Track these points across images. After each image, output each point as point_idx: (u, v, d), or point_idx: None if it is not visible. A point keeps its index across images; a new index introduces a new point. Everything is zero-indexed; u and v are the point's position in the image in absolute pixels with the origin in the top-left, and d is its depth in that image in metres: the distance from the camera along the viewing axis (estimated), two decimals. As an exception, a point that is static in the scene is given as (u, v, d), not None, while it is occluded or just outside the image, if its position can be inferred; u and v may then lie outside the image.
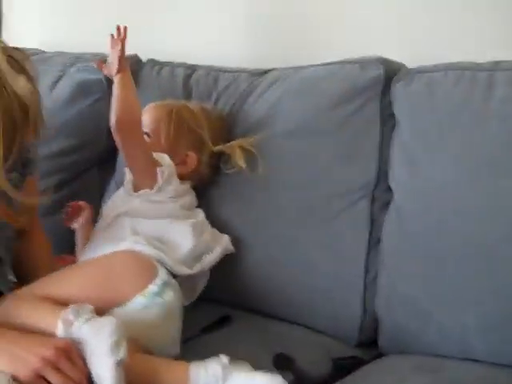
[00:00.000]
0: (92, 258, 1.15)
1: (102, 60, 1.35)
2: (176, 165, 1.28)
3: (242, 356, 0.99)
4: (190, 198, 1.31)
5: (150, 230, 1.20)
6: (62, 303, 1.01)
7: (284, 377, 0.98)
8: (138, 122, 1.27)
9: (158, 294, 1.06)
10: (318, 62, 1.36)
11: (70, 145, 1.52)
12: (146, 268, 1.09)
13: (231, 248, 1.27)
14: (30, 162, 1.11)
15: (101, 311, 1.01)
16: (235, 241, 1.28)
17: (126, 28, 1.28)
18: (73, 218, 1.35)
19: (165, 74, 1.53)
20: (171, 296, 1.08)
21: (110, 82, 1.48)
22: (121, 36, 1.28)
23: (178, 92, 1.47)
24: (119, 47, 1.27)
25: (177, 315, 1.10)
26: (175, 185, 1.27)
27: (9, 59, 1.02)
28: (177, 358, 1.06)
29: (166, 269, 1.12)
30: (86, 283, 1.07)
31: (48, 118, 1.30)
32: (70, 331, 0.96)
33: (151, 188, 1.25)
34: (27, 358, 0.92)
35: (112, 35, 1.29)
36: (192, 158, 1.31)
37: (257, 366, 0.98)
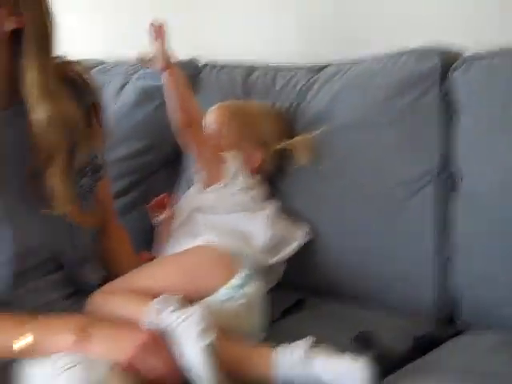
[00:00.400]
0: (178, 253, 1.21)
1: (144, 57, 1.38)
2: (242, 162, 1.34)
3: (321, 338, 1.03)
4: (261, 191, 1.36)
5: (224, 224, 1.26)
6: (151, 295, 1.07)
7: (365, 354, 1.03)
8: (198, 118, 1.33)
9: (241, 286, 1.10)
10: (373, 54, 1.40)
11: (137, 148, 1.59)
12: (228, 261, 1.13)
13: (306, 238, 1.32)
14: (100, 168, 1.17)
15: (186, 303, 1.06)
16: (309, 229, 1.33)
17: (162, 24, 1.31)
18: (157, 212, 1.39)
19: (223, 76, 1.58)
20: (253, 287, 1.13)
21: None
22: (160, 30, 1.31)
23: (238, 93, 1.53)
24: (161, 41, 1.30)
25: (259, 305, 1.15)
26: (243, 178, 1.33)
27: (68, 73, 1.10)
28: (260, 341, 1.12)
29: (247, 261, 1.17)
30: (173, 277, 1.12)
31: (114, 123, 1.39)
32: (159, 320, 1.02)
33: (219, 183, 1.31)
34: (123, 345, 0.97)
35: (152, 25, 1.31)
36: (255, 156, 1.36)
37: (337, 348, 1.02)
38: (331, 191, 1.35)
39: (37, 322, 0.98)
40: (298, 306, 1.28)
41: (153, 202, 1.40)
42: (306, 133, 1.38)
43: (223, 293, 1.10)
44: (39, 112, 1.01)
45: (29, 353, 0.96)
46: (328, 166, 1.35)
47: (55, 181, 1.03)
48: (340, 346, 1.03)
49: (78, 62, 1.15)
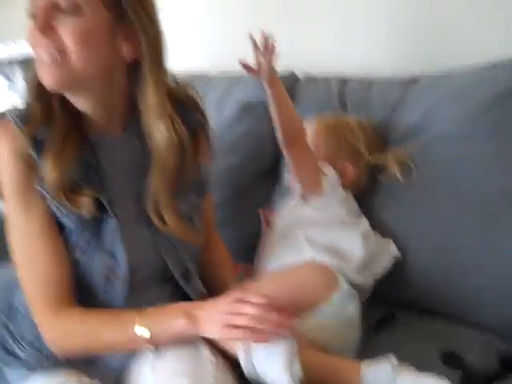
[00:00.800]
0: (283, 270, 1.27)
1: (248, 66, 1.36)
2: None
3: (409, 353, 1.07)
4: (355, 204, 1.40)
5: (322, 239, 1.31)
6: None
7: (453, 374, 1.05)
8: (302, 132, 1.37)
9: (341, 303, 1.17)
10: (463, 66, 1.40)
11: (237, 161, 1.66)
12: (329, 279, 1.20)
13: (398, 254, 1.34)
14: (206, 183, 1.24)
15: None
16: (399, 245, 1.35)
17: (270, 37, 1.31)
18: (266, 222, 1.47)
19: (320, 88, 1.63)
20: (352, 305, 1.19)
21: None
22: (267, 42, 1.31)
23: (334, 104, 1.57)
24: (268, 53, 1.30)
25: (356, 323, 1.20)
26: (340, 191, 1.37)
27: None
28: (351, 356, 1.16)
29: (346, 279, 1.22)
30: (279, 292, 1.17)
31: (217, 137, 1.46)
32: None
33: (318, 195, 1.35)
34: (214, 318, 1.03)
35: (263, 35, 1.31)
36: (349, 168, 1.40)
37: (425, 363, 1.06)
38: (424, 204, 1.36)
39: (147, 314, 1.06)
40: (388, 320, 1.31)
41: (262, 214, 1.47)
42: (399, 146, 1.40)
43: (324, 309, 1.16)
44: (156, 135, 1.09)
45: (145, 345, 1.05)
46: (422, 179, 1.36)
47: (165, 198, 1.12)
48: (428, 363, 1.06)
49: (189, 85, 1.21)
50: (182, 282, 1.18)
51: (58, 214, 1.07)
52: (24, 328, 1.13)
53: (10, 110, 1.09)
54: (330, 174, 1.38)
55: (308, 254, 1.28)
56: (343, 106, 1.56)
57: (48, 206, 1.07)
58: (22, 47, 2.33)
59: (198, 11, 2.07)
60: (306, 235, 1.32)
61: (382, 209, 1.41)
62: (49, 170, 1.04)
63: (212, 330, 1.03)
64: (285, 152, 1.37)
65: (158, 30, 1.08)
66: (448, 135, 1.35)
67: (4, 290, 1.20)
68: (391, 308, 1.34)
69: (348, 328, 1.19)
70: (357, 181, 1.42)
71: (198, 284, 1.23)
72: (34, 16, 1.01)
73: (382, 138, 1.45)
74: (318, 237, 1.32)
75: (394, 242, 1.36)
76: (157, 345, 1.06)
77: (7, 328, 1.15)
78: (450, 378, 1.09)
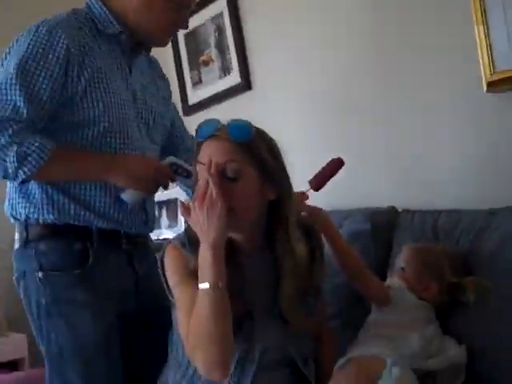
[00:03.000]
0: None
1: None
2: (420, 290, 1.68)
3: None
4: (429, 314, 1.67)
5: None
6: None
7: None
8: (361, 267, 1.69)
9: None
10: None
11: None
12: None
13: (462, 358, 1.57)
14: (319, 292, 1.59)
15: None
16: (474, 349, 1.58)
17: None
18: None
19: (416, 219, 1.94)
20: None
21: (374, 230, 1.98)
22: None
23: (428, 234, 1.87)
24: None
25: None
26: (408, 297, 1.67)
27: None
28: None
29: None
30: None
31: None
32: None
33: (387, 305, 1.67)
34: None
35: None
36: (433, 286, 1.68)
37: None
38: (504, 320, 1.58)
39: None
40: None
41: None
42: (478, 274, 1.67)
43: None
44: (287, 261, 1.46)
45: None
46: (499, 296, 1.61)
47: (291, 303, 1.47)
48: None
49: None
50: (301, 366, 1.50)
51: None
52: None
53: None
54: (395, 285, 1.69)
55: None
56: (436, 235, 1.84)
57: None
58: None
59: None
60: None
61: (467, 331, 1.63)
62: None
63: None
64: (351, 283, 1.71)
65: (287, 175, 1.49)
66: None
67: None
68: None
69: None
70: (439, 297, 1.67)
71: (312, 368, 1.55)
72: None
73: (463, 263, 1.71)
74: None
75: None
76: None
77: None
78: None
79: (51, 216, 1.65)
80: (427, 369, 1.52)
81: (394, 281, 1.72)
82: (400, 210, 2.04)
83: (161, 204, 3.03)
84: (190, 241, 1.47)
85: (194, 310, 1.36)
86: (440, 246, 1.76)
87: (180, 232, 1.60)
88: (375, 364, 1.47)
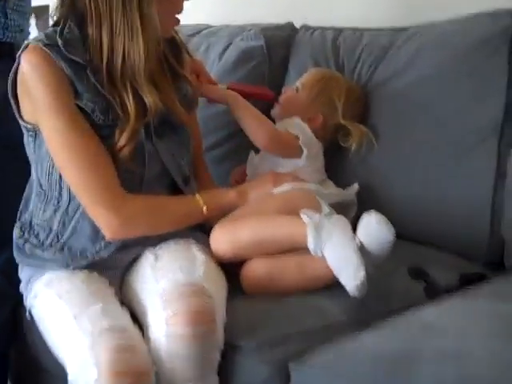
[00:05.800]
0: (279, 193, 1.40)
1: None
2: (304, 118, 1.50)
3: (382, 267, 1.21)
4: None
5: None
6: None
7: (417, 284, 1.23)
8: (276, 133, 1.47)
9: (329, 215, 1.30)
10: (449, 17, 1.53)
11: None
12: (315, 199, 1.36)
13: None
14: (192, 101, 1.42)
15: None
16: (380, 176, 1.52)
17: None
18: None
19: (316, 36, 1.75)
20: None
21: (269, 47, 1.77)
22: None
23: (328, 51, 1.69)
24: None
25: None
26: (315, 143, 1.50)
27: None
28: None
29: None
30: (275, 210, 1.34)
31: (218, 79, 1.60)
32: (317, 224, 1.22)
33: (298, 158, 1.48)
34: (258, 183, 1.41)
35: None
36: (319, 119, 1.52)
37: (394, 275, 1.24)
38: (406, 139, 1.50)
39: (203, 192, 1.33)
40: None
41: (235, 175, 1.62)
42: (379, 111, 1.55)
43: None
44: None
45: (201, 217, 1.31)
46: (404, 118, 1.51)
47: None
48: (396, 276, 1.26)
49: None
50: (182, 186, 1.35)
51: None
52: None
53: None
54: (302, 133, 1.48)
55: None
56: (336, 51, 1.68)
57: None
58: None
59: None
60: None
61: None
62: None
63: (260, 192, 1.35)
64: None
65: None
66: (426, 77, 1.48)
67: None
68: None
69: None
70: (321, 132, 1.52)
71: (195, 186, 1.40)
72: None
73: (362, 106, 1.57)
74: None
75: (376, 172, 1.52)
76: (209, 217, 1.31)
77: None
78: (413, 288, 1.26)
79: None
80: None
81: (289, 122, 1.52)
82: (298, 27, 1.84)
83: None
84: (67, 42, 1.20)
85: (170, 202, 1.31)
86: (345, 80, 1.60)
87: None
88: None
